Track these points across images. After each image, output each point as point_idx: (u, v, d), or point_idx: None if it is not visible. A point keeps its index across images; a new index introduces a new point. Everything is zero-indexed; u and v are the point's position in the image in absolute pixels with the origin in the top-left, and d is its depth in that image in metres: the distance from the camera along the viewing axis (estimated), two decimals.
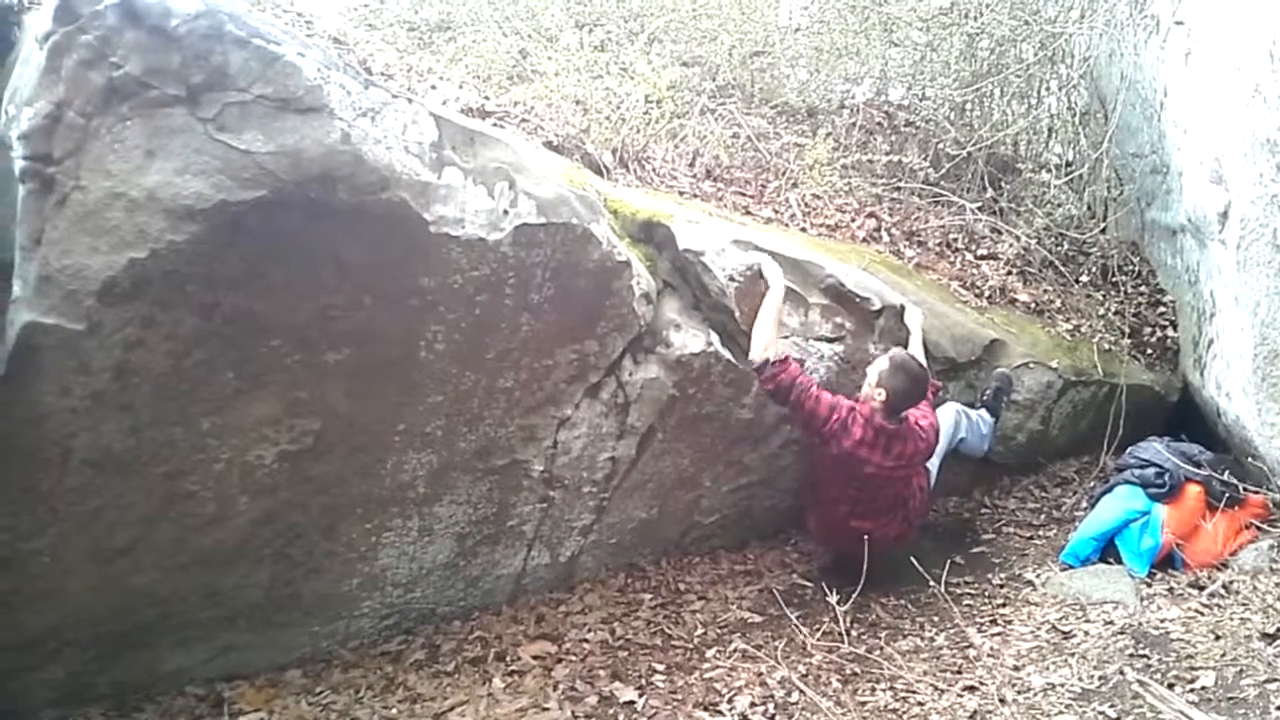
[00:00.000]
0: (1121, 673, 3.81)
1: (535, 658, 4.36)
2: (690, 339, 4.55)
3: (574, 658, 4.38)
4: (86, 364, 3.18)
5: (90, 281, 3.08)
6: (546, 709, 4.00)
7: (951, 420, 5.14)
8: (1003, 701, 3.74)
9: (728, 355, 4.59)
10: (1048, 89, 7.38)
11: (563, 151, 4.91)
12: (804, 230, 5.59)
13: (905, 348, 4.87)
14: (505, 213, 3.82)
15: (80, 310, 3.10)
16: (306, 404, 3.68)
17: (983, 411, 5.36)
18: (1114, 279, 6.43)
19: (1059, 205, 6.46)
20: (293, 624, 4.16)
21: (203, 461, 3.57)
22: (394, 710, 3.97)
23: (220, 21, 3.10)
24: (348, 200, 3.37)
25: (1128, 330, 6.09)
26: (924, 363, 4.77)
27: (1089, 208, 6.83)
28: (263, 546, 3.87)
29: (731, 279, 4.60)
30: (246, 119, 3.17)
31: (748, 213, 5.49)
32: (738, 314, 4.61)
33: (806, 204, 5.85)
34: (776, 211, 5.67)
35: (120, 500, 3.47)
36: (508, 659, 4.35)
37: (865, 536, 4.46)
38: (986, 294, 5.96)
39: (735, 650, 4.38)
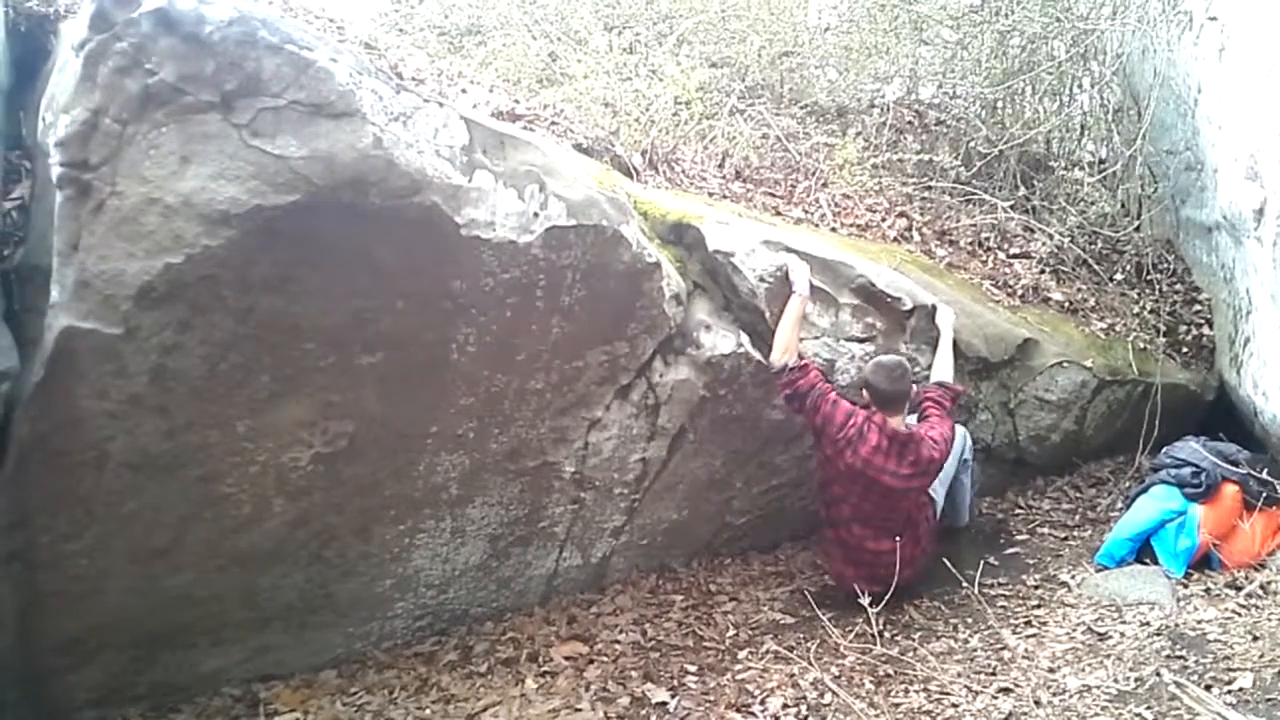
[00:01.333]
0: (1158, 674, 3.77)
1: (567, 659, 4.37)
2: (721, 340, 4.55)
3: (606, 659, 4.39)
4: (123, 367, 3.22)
5: (127, 286, 3.11)
6: (579, 710, 4.01)
7: (959, 445, 4.99)
8: (1038, 703, 3.72)
9: (758, 356, 4.58)
10: (1080, 86, 7.31)
11: (592, 154, 4.92)
12: (834, 230, 5.58)
13: (936, 348, 4.85)
14: (535, 215, 3.84)
15: (117, 315, 3.13)
16: (340, 406, 3.72)
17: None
18: (1148, 277, 6.36)
19: (1092, 203, 6.39)
20: (327, 625, 4.20)
21: (238, 464, 3.60)
22: (428, 711, 4.00)
23: (253, 28, 3.13)
24: (380, 204, 3.39)
25: (1163, 328, 6.03)
26: (952, 359, 4.80)
27: (1123, 205, 6.75)
28: (298, 548, 3.91)
29: (762, 280, 4.59)
30: (280, 124, 3.19)
31: (778, 213, 5.48)
32: (768, 315, 4.60)
33: (837, 204, 5.83)
34: (806, 212, 5.65)
35: (157, 502, 3.51)
36: (540, 660, 4.37)
37: (886, 562, 4.41)
38: (1019, 293, 5.92)
39: (767, 651, 4.37)
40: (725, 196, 5.41)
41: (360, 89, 3.34)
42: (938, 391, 4.76)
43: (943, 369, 4.89)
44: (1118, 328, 6.00)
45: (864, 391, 4.51)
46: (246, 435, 3.57)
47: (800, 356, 4.50)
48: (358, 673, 4.24)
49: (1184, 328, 6.21)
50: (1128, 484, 5.64)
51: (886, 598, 4.31)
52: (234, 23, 3.10)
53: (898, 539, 4.45)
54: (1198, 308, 6.29)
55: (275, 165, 3.18)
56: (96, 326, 3.12)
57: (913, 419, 4.67)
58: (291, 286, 3.39)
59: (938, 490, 4.80)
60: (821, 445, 4.50)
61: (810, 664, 4.11)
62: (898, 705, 3.88)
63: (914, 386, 4.62)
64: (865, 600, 4.13)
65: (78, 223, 3.07)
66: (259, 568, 3.87)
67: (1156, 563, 4.73)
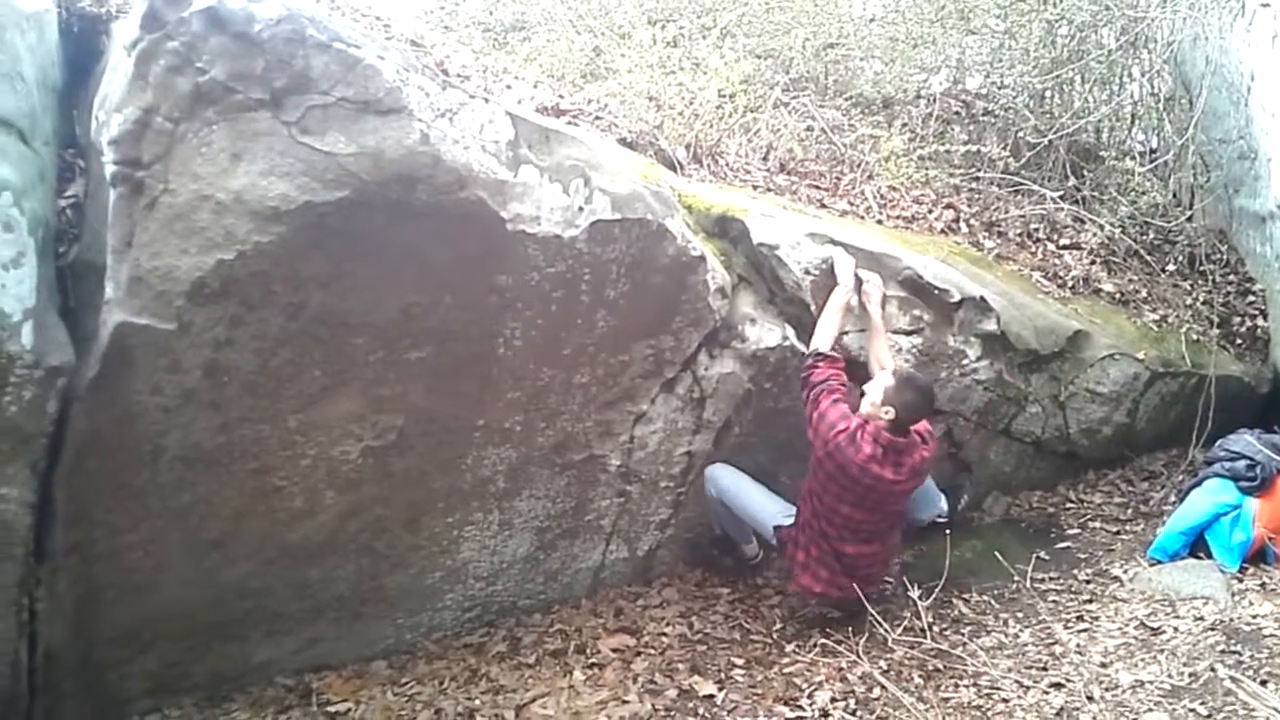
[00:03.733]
0: (1212, 670, 3.73)
1: (615, 651, 4.39)
2: (766, 333, 4.54)
3: (653, 651, 4.40)
4: (177, 363, 3.27)
5: (180, 282, 3.16)
6: (627, 701, 4.02)
7: None
8: (1090, 699, 3.68)
9: (803, 349, 4.56)
10: (1130, 75, 7.20)
11: (636, 148, 4.93)
12: (880, 222, 5.54)
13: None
14: (580, 209, 3.85)
15: (171, 310, 3.18)
16: (389, 400, 3.75)
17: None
18: (1201, 267, 6.27)
19: (1143, 193, 6.31)
20: (378, 616, 4.24)
21: (290, 457, 3.65)
22: (477, 701, 4.02)
23: (302, 26, 3.16)
24: (427, 200, 3.42)
25: (1216, 320, 5.95)
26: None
27: (1174, 195, 6.66)
28: (348, 540, 3.96)
29: (807, 272, 4.57)
30: (328, 121, 3.23)
31: (823, 206, 5.46)
32: (813, 308, 4.57)
33: (882, 196, 5.79)
34: (852, 204, 5.63)
35: (211, 495, 3.57)
36: (587, 652, 4.38)
37: (864, 566, 4.37)
38: (1070, 284, 5.85)
39: (815, 645, 4.36)
40: (770, 189, 5.40)
41: (407, 86, 3.37)
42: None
43: (886, 358, 4.53)
44: (1170, 319, 5.93)
45: (884, 408, 4.14)
46: (298, 429, 3.61)
47: (835, 351, 4.38)
48: (408, 663, 4.28)
49: (1238, 319, 6.12)
50: (1181, 477, 5.59)
51: (936, 590, 4.28)
52: (283, 21, 3.13)
53: (878, 544, 4.41)
54: (1252, 299, 6.20)
55: (324, 162, 3.22)
56: (150, 322, 3.17)
57: None
58: (341, 282, 3.43)
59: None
60: (814, 445, 4.26)
61: (859, 658, 4.09)
62: (947, 700, 3.86)
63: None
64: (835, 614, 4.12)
65: (131, 220, 3.12)
66: (310, 560, 3.92)
67: (1210, 557, 4.68)
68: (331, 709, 3.94)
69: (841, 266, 4.58)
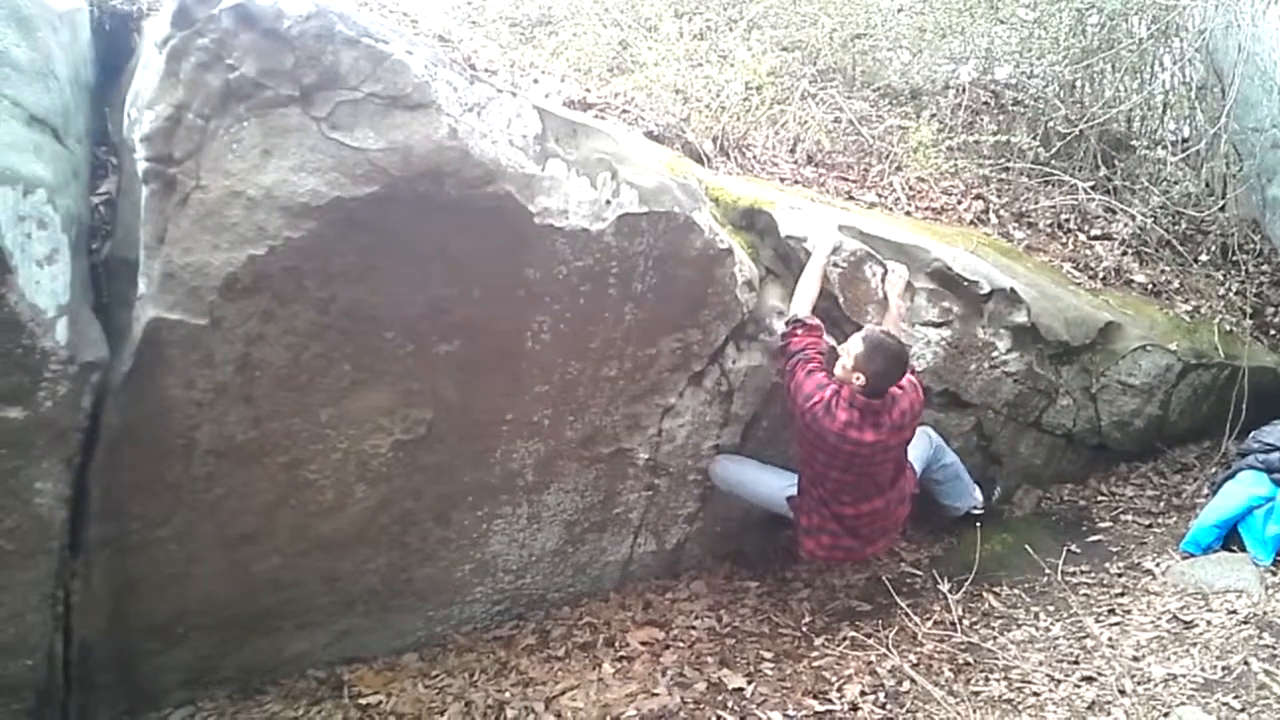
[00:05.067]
0: (1246, 663, 3.70)
1: (643, 644, 4.40)
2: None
3: (682, 644, 4.40)
4: (210, 357, 3.29)
5: (212, 278, 3.18)
6: (656, 694, 4.03)
7: (924, 440, 4.77)
8: (1122, 692, 3.66)
9: (831, 342, 4.53)
10: (1161, 64, 7.14)
11: (663, 141, 4.92)
12: (908, 214, 5.52)
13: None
14: (608, 203, 3.85)
15: (203, 306, 3.20)
16: (419, 394, 3.77)
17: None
18: (1234, 258, 6.21)
19: (1175, 183, 6.25)
20: (408, 609, 4.26)
21: (321, 451, 3.67)
22: (507, 693, 4.04)
23: (331, 22, 3.17)
24: (455, 194, 3.43)
25: (1249, 310, 5.89)
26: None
27: (1207, 185, 6.59)
28: (379, 533, 3.98)
29: (835, 265, 4.55)
30: (358, 117, 3.24)
31: (850, 198, 5.43)
32: (842, 300, 4.56)
33: (911, 187, 5.76)
34: (880, 195, 5.60)
35: (243, 489, 3.59)
36: (616, 644, 4.40)
37: (867, 525, 4.37)
38: (1101, 275, 5.81)
39: (844, 638, 4.36)
40: (797, 182, 5.38)
41: (435, 81, 3.37)
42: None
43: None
44: (1203, 310, 5.87)
45: (856, 370, 4.07)
46: (329, 423, 3.63)
47: (814, 318, 4.32)
48: (438, 656, 4.31)
49: (1271, 309, 6.06)
50: (1214, 469, 5.54)
51: (966, 584, 4.26)
52: (312, 17, 3.15)
53: (883, 499, 4.36)
54: None
55: (354, 157, 3.23)
56: (183, 317, 3.19)
57: None
58: (371, 277, 3.44)
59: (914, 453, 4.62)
60: (794, 416, 4.26)
61: (888, 651, 4.08)
62: (978, 694, 3.85)
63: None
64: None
65: (163, 216, 3.14)
66: (342, 553, 3.94)
67: (1244, 550, 4.63)
68: (363, 701, 3.98)
69: (819, 231, 4.49)
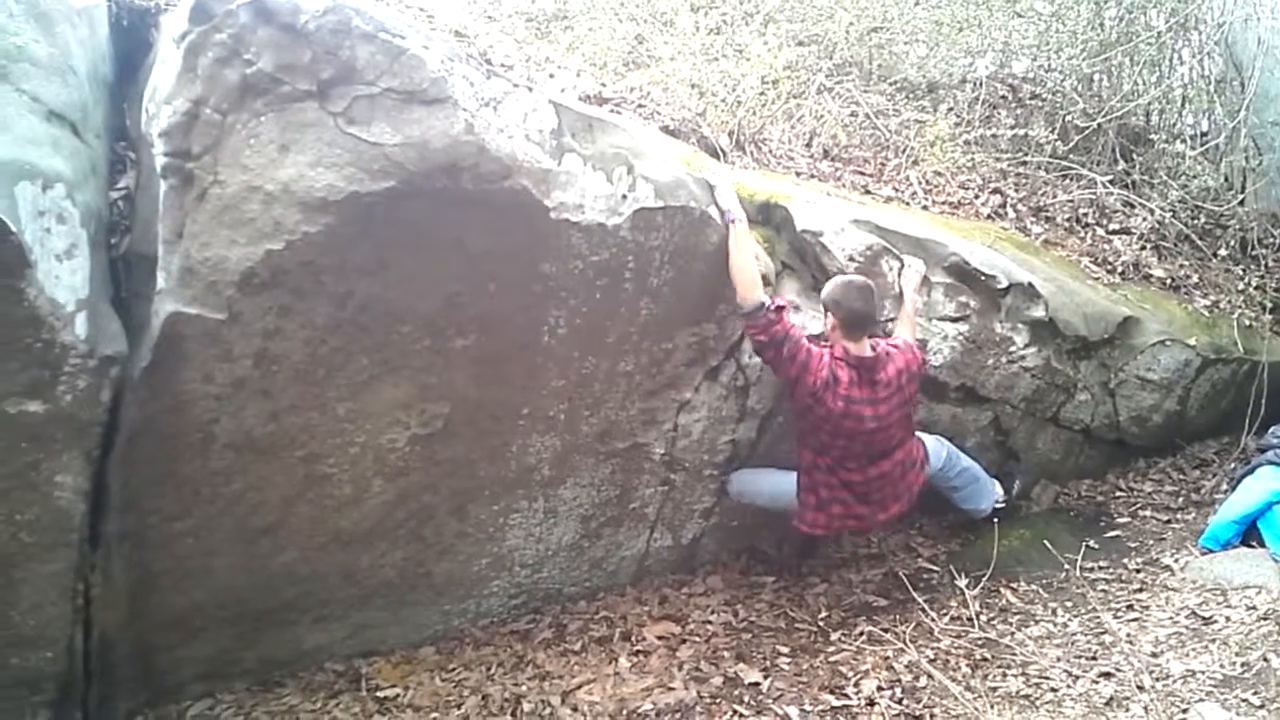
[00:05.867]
0: (1265, 659, 3.68)
1: (660, 638, 4.40)
2: (810, 320, 4.51)
3: (698, 639, 4.41)
4: (228, 351, 3.31)
5: (230, 272, 3.19)
6: (672, 688, 4.04)
7: (933, 445, 4.74)
8: (1140, 688, 3.64)
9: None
10: (1180, 57, 7.09)
11: (679, 135, 4.92)
12: (925, 208, 5.49)
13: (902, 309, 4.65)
14: (624, 197, 3.85)
15: (221, 300, 3.22)
16: (436, 389, 3.78)
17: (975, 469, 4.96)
18: (1254, 252, 6.17)
19: (1194, 177, 6.21)
20: (425, 603, 4.28)
21: (339, 445, 3.69)
22: (524, 687, 4.06)
23: (348, 17, 3.18)
24: (472, 189, 3.43)
25: (1269, 305, 5.85)
26: (913, 323, 4.59)
27: (1226, 179, 6.54)
28: (396, 527, 4.00)
29: (851, 259, 4.54)
30: (375, 111, 3.24)
31: (867, 192, 5.41)
32: None
33: (928, 181, 5.74)
34: (897, 190, 5.58)
35: (261, 482, 3.61)
36: (633, 639, 4.41)
37: (876, 491, 4.37)
38: (1119, 270, 5.78)
39: (861, 633, 4.35)
40: (813, 176, 5.36)
41: (452, 75, 3.37)
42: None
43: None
44: (1222, 304, 5.84)
45: (829, 315, 4.17)
46: (346, 417, 3.65)
47: (774, 297, 4.23)
48: (455, 649, 4.33)
49: None
50: (1233, 465, 5.51)
51: (983, 579, 4.25)
52: (329, 12, 3.15)
53: (889, 462, 4.35)
54: None
55: (371, 152, 3.23)
56: (201, 312, 3.20)
57: None
58: (388, 271, 3.45)
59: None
60: (797, 395, 4.20)
61: (905, 646, 4.07)
62: (995, 689, 3.83)
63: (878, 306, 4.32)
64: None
65: (182, 211, 3.15)
66: (359, 546, 3.96)
67: (1263, 546, 4.59)
68: (381, 694, 3.99)
69: (723, 194, 4.19)
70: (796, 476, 4.46)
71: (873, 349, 4.22)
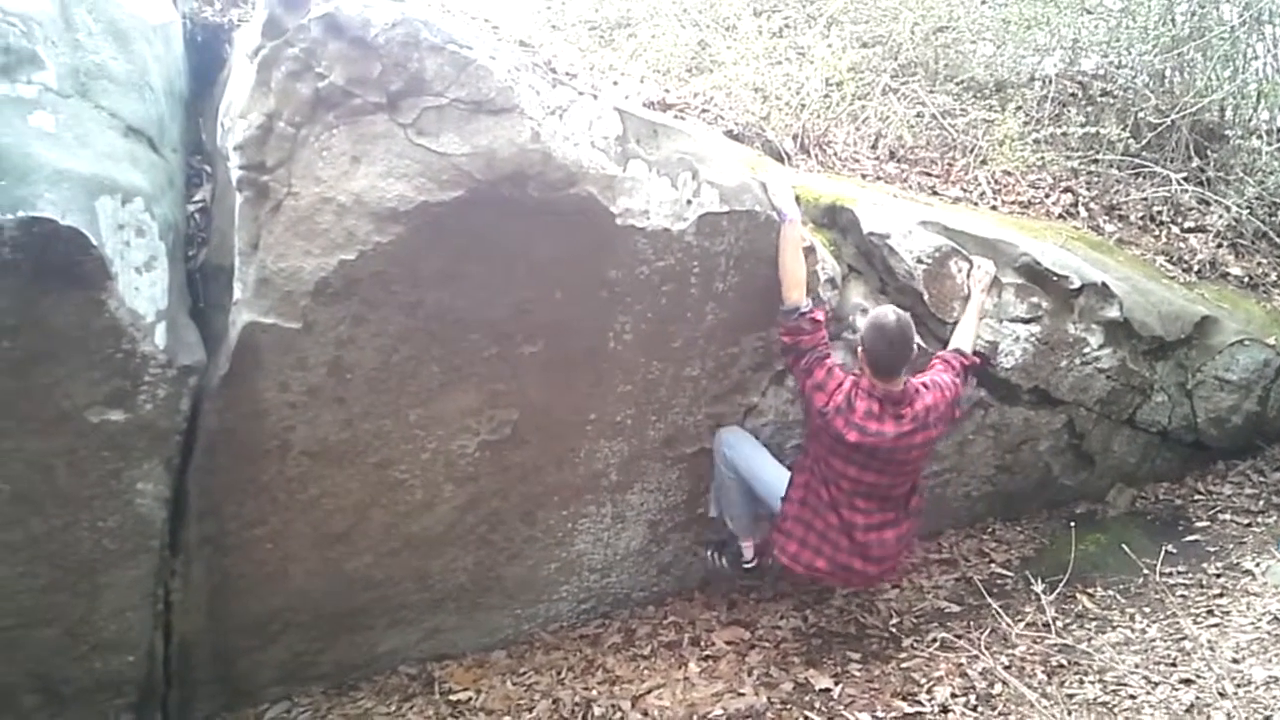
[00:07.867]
0: None
1: (729, 643, 4.39)
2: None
3: (767, 644, 4.39)
4: (303, 360, 3.37)
5: (304, 283, 3.25)
6: (742, 694, 4.02)
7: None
8: (1222, 695, 3.56)
9: (917, 340, 4.47)
10: (1254, 51, 6.93)
11: (743, 140, 4.91)
12: (994, 209, 5.43)
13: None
14: (689, 202, 3.85)
15: (296, 310, 3.28)
16: (505, 395, 3.81)
17: None
18: None
19: (1271, 173, 6.07)
20: (496, 607, 4.32)
21: (411, 451, 3.74)
22: (594, 691, 4.07)
23: (416, 29, 3.23)
24: (538, 197, 3.46)
25: None
26: (976, 326, 4.38)
27: None
28: (467, 532, 4.04)
29: (919, 261, 4.49)
30: (443, 122, 3.29)
31: (934, 193, 5.36)
32: (927, 297, 4.49)
33: (996, 181, 5.67)
34: (965, 190, 5.52)
35: (336, 489, 3.67)
36: (702, 644, 4.40)
37: (876, 551, 4.05)
38: (1195, 268, 5.66)
39: (933, 640, 4.30)
40: (879, 178, 5.32)
41: (518, 85, 3.41)
42: (951, 354, 4.26)
43: (962, 337, 4.35)
44: None
45: (860, 348, 3.97)
46: (418, 424, 3.69)
47: (814, 304, 4.09)
48: (526, 653, 4.36)
49: None
50: None
51: (1060, 585, 4.17)
52: (397, 25, 3.20)
53: (897, 522, 4.08)
54: None
55: (440, 162, 3.27)
56: (277, 322, 3.27)
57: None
58: (456, 280, 3.49)
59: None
60: (810, 414, 4.04)
61: (980, 653, 4.02)
62: (1072, 696, 3.77)
63: (915, 348, 4.03)
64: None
65: (257, 223, 3.22)
66: (431, 551, 4.00)
67: None
68: (453, 697, 4.04)
69: (776, 192, 4.11)
70: (788, 489, 4.20)
71: (904, 384, 3.98)
